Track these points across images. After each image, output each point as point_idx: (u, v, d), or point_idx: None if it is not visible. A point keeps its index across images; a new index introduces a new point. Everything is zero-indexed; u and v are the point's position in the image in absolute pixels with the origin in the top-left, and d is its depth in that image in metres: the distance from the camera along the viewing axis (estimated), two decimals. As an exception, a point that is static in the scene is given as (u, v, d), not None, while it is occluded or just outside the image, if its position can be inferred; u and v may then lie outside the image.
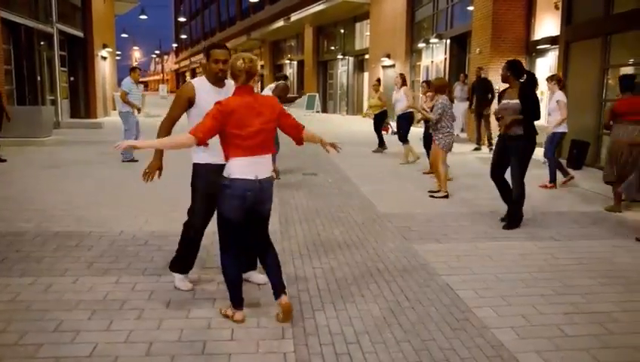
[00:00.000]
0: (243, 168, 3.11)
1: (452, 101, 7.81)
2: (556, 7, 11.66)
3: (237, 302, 3.30)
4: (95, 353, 2.90)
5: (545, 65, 12.53)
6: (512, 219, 5.61)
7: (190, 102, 3.50)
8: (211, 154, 3.39)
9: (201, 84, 3.54)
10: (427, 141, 8.90)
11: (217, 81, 3.53)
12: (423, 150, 9.21)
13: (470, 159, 10.84)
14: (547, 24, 12.33)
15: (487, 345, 3.08)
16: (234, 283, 3.30)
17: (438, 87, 7.27)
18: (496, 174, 5.73)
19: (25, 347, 2.95)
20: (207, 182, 3.47)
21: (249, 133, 3.08)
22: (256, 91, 3.24)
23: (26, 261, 4.31)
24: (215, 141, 3.15)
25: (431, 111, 7.20)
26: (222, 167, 3.19)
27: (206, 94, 3.46)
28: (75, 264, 4.26)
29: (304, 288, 3.86)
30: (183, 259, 3.80)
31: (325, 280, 4.03)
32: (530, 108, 5.42)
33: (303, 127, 3.39)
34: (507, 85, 5.69)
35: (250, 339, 3.08)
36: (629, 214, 6.23)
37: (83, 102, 19.67)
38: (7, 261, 4.30)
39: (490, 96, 11.80)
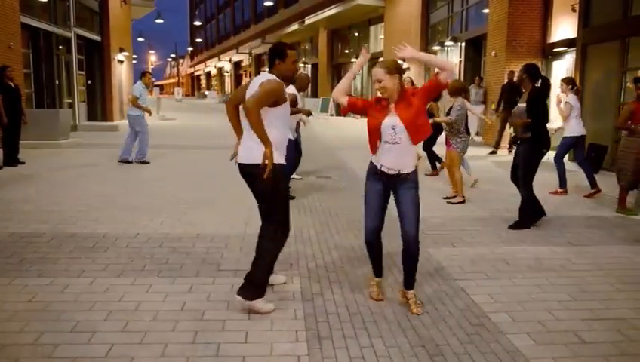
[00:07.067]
0: None
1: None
2: (573, 9, 11.54)
3: None
4: (111, 354, 2.92)
5: (561, 68, 12.40)
6: (519, 220, 5.66)
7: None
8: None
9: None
10: (428, 144, 8.80)
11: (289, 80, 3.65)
12: (423, 152, 9.06)
13: (486, 163, 10.76)
14: (564, 26, 12.20)
15: (502, 350, 3.04)
16: None
17: (454, 89, 7.18)
18: (514, 177, 5.92)
19: (42, 347, 2.98)
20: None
21: None
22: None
23: (43, 262, 4.36)
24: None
25: (448, 114, 7.14)
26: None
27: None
28: (91, 265, 4.31)
29: (318, 291, 3.86)
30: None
31: (339, 283, 4.03)
32: (535, 112, 5.49)
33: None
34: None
35: (264, 342, 3.09)
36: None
37: (100, 106, 19.91)
38: (25, 262, 4.37)
39: (518, 100, 11.64)
